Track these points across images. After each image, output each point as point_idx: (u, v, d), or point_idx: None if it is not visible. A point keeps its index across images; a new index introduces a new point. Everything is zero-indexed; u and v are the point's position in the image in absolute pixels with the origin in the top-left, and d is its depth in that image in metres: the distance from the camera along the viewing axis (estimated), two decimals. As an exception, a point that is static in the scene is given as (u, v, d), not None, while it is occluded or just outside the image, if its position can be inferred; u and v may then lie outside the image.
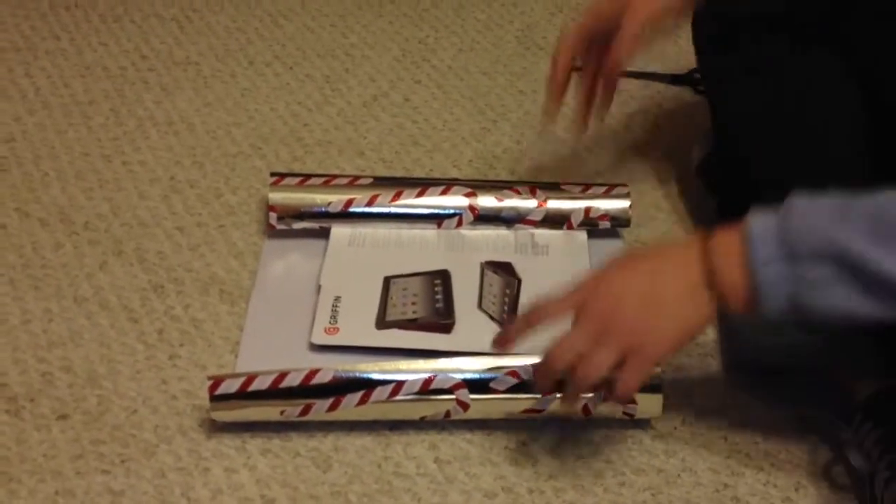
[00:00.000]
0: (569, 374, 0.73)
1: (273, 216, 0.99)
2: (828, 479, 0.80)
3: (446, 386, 0.80)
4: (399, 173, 1.11)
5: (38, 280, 0.97)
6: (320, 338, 0.88)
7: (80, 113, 1.19)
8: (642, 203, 1.06)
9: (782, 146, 0.88)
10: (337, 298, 0.92)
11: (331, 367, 0.81)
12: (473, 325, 0.90)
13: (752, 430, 0.84)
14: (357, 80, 1.26)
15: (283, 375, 0.80)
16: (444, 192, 0.99)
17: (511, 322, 0.81)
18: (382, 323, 0.90)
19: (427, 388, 0.80)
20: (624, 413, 0.81)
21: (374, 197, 0.98)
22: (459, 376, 0.81)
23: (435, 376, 0.80)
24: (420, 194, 0.98)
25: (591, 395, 0.79)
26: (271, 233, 1.00)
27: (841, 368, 0.80)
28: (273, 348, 0.89)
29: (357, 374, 0.81)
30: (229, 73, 1.26)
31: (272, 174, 1.02)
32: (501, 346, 0.77)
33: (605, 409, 0.81)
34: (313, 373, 0.80)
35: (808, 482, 0.80)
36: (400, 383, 0.80)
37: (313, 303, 0.92)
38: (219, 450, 0.82)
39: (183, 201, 1.07)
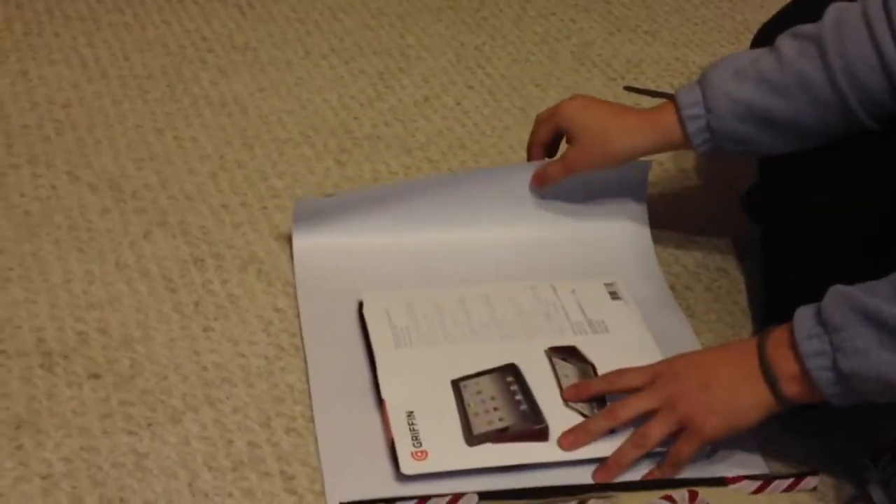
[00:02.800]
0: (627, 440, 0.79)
1: None
2: (848, 514, 0.80)
3: None
4: (445, 173, 1.12)
5: (82, 243, 0.98)
6: (411, 466, 0.78)
7: (137, 86, 1.21)
8: (685, 234, 1.06)
9: (824, 177, 0.88)
10: (409, 414, 0.82)
11: (473, 493, 0.74)
12: (568, 426, 0.81)
13: (779, 459, 0.83)
14: (410, 79, 1.27)
15: (423, 502, 0.74)
16: None
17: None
18: (472, 438, 0.81)
19: None
20: None
21: None
22: (610, 503, 0.75)
23: (588, 500, 0.75)
24: None
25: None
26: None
27: (872, 406, 0.80)
28: (357, 477, 0.79)
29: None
30: (285, 62, 1.28)
31: None
32: (573, 398, 0.84)
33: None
34: (456, 498, 0.74)
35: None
36: None
37: (377, 417, 0.83)
38: (244, 424, 0.83)
39: (230, 180, 1.08)
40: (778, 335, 0.76)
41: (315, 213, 0.98)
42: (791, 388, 0.75)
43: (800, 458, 0.83)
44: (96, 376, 0.86)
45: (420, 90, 1.25)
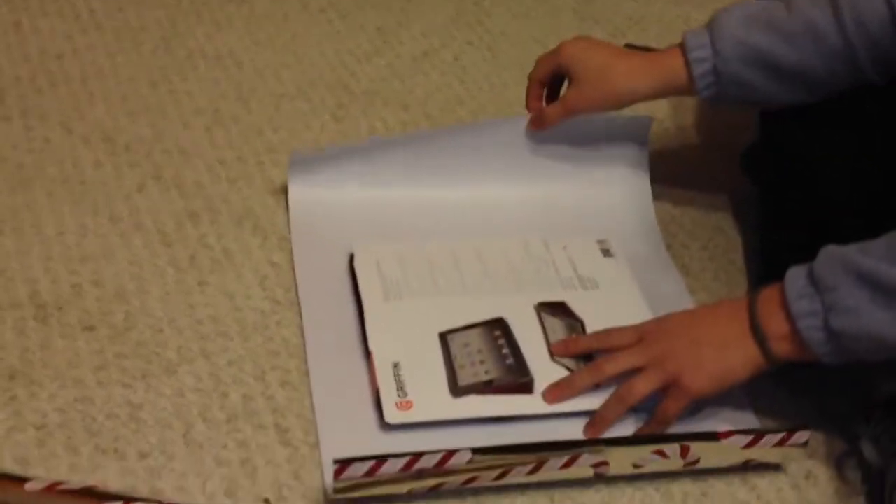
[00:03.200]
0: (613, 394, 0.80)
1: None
2: (839, 470, 0.80)
3: (590, 463, 0.75)
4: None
5: (76, 195, 0.98)
6: (394, 416, 0.78)
7: (131, 38, 1.19)
8: (683, 192, 1.05)
9: (831, 128, 0.88)
10: (396, 365, 0.82)
11: (467, 449, 0.72)
12: (552, 380, 0.82)
13: (770, 415, 0.84)
14: (409, 34, 1.26)
15: (415, 459, 0.72)
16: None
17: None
18: (457, 390, 0.81)
19: (569, 466, 0.75)
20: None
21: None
22: (601, 457, 0.75)
23: (579, 455, 0.75)
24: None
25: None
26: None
27: (865, 363, 0.80)
28: (348, 429, 0.79)
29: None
30: (282, 15, 1.27)
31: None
32: (561, 353, 0.84)
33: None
34: (450, 455, 0.72)
35: (818, 472, 0.80)
36: (541, 463, 0.74)
37: (365, 368, 0.83)
38: (239, 377, 0.83)
39: (225, 134, 1.07)
40: (769, 294, 0.76)
41: (311, 165, 0.97)
42: (781, 348, 0.75)
43: (791, 415, 0.83)
44: (90, 328, 0.85)
45: (419, 45, 1.24)
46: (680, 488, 0.78)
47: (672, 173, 1.07)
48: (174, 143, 1.05)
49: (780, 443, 0.77)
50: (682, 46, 0.88)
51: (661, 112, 1.16)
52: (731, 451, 0.77)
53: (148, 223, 0.96)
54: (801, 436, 0.77)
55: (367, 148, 0.99)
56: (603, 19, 1.32)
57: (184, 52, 1.18)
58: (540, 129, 0.98)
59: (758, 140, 1.01)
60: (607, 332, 0.83)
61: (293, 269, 0.92)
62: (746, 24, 0.85)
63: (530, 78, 0.98)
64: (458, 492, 0.76)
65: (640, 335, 0.81)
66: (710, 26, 0.88)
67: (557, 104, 0.96)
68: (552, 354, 0.84)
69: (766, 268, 0.94)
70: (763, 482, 0.79)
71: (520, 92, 1.14)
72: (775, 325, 0.75)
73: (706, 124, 1.16)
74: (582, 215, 1.00)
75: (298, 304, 0.89)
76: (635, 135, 1.02)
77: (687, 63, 0.88)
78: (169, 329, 0.86)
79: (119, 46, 1.18)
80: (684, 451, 0.76)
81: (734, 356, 0.77)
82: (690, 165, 1.11)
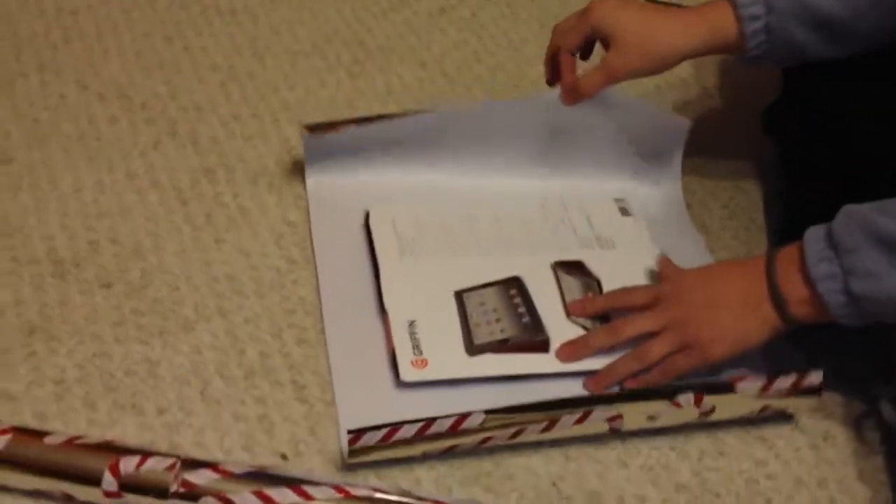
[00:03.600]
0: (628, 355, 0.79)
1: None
2: (858, 431, 0.80)
3: (603, 418, 0.75)
4: (459, 89, 1.10)
5: (92, 151, 0.98)
6: (410, 374, 0.78)
7: (146, -6, 1.19)
8: (704, 150, 1.04)
9: (860, 90, 0.86)
10: (411, 324, 0.82)
11: (480, 411, 0.73)
12: (568, 339, 0.81)
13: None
14: (425, -10, 1.24)
15: (428, 424, 0.72)
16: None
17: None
18: (472, 348, 0.81)
19: (583, 421, 0.75)
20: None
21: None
22: (614, 411, 0.75)
23: (592, 411, 0.75)
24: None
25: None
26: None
27: (885, 324, 0.79)
28: (364, 388, 0.79)
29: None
30: (298, -29, 1.25)
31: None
32: (578, 312, 0.84)
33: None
34: (463, 418, 0.72)
35: (837, 432, 0.80)
36: (554, 420, 0.74)
37: (381, 326, 0.83)
38: (256, 334, 0.83)
39: (240, 91, 1.07)
40: (787, 256, 0.75)
41: (326, 151, 0.95)
42: (800, 311, 0.75)
43: (811, 376, 0.83)
44: (108, 285, 0.85)
45: (436, 1, 1.23)
46: (696, 446, 0.78)
47: (693, 132, 1.06)
48: (189, 99, 1.05)
49: (794, 386, 0.77)
50: (732, 1, 0.82)
51: (681, 71, 1.14)
52: (745, 399, 0.77)
53: (164, 180, 0.96)
54: (814, 377, 0.77)
55: (385, 128, 0.95)
56: (623, -25, 1.29)
57: (198, 8, 1.17)
58: (577, 101, 0.90)
59: (781, 96, 1.00)
60: (624, 292, 0.83)
61: (309, 228, 0.92)
62: None
63: (560, 47, 0.89)
64: (474, 451, 0.76)
65: (657, 296, 0.80)
66: None
67: (597, 72, 0.87)
68: (568, 314, 0.84)
69: (786, 227, 0.93)
70: (781, 442, 0.79)
71: (538, 48, 1.13)
72: (794, 289, 0.74)
73: (727, 83, 1.15)
74: (602, 178, 0.98)
75: (314, 262, 0.89)
76: (672, 136, 0.97)
77: (738, 18, 0.82)
78: (185, 286, 0.86)
79: (134, 2, 1.17)
80: (698, 400, 0.76)
81: (752, 320, 0.76)
82: (711, 124, 1.09)
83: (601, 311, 0.84)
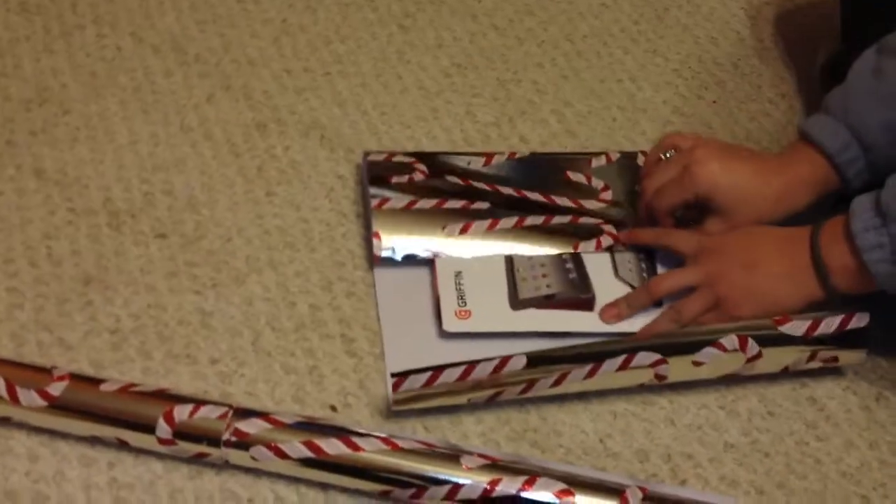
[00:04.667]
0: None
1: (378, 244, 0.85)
2: (911, 393, 0.79)
3: (646, 363, 0.74)
4: (510, 41, 1.09)
5: (147, 104, 0.99)
6: (453, 324, 0.79)
7: (200, -54, 1.19)
8: (758, 103, 1.02)
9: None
10: (458, 274, 0.82)
11: (521, 354, 0.73)
12: (615, 297, 0.81)
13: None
14: (478, -59, 1.23)
15: (471, 368, 0.72)
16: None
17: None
18: (517, 302, 0.81)
19: (626, 368, 0.74)
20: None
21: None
22: (656, 356, 0.75)
23: (634, 355, 0.74)
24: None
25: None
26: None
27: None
28: (410, 338, 0.80)
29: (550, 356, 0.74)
30: (350, -78, 1.24)
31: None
32: (625, 240, 0.85)
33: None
34: (504, 361, 0.73)
35: (890, 394, 0.79)
36: (597, 365, 0.74)
37: (429, 275, 0.84)
38: (306, 287, 0.84)
39: (292, 45, 1.07)
40: (833, 225, 0.75)
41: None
42: (843, 281, 0.74)
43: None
44: (163, 236, 0.87)
45: (488, -47, 1.21)
46: (745, 406, 0.78)
47: (747, 86, 1.04)
48: (242, 52, 1.05)
49: (840, 326, 0.76)
50: (821, 150, 0.80)
51: (737, 24, 1.12)
52: (790, 348, 0.76)
53: (217, 133, 0.96)
54: (860, 318, 0.76)
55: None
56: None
57: (252, -40, 1.17)
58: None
59: (841, 49, 0.97)
60: (670, 233, 0.84)
61: (359, 182, 0.92)
62: (883, 104, 0.78)
63: (657, 209, 0.84)
64: (520, 404, 0.76)
65: (700, 246, 0.81)
66: (845, 118, 0.80)
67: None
68: (617, 273, 0.84)
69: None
70: (832, 403, 0.78)
71: (591, 1, 1.11)
72: (838, 258, 0.74)
73: (780, 34, 1.12)
74: None
75: (365, 216, 0.89)
76: None
77: (835, 167, 0.80)
78: (238, 238, 0.87)
79: (187, -46, 1.17)
80: (742, 343, 0.75)
81: (789, 288, 0.76)
82: (766, 79, 1.07)
83: (645, 242, 0.85)
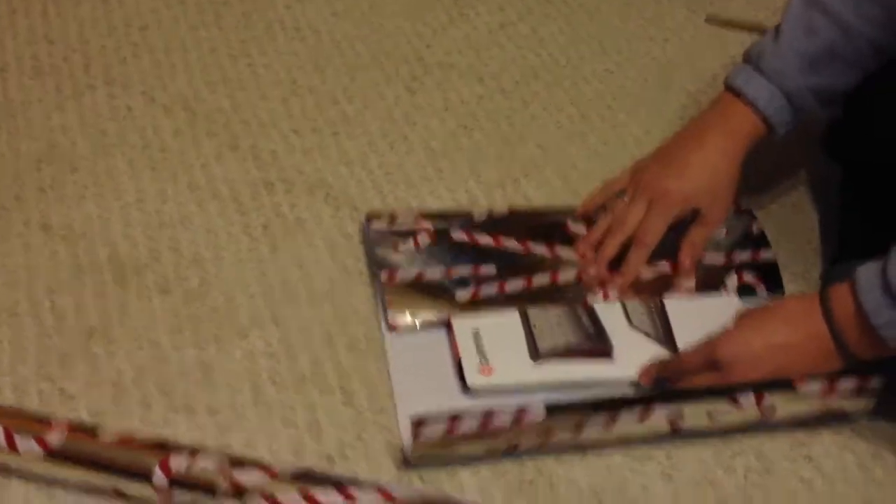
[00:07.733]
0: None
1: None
2: (911, 453, 0.79)
3: (664, 415, 0.76)
4: (516, 104, 1.11)
5: (155, 162, 1.01)
6: (477, 380, 0.80)
7: (213, 12, 1.22)
8: (760, 172, 1.03)
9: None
10: (476, 332, 0.83)
11: (539, 403, 0.73)
12: (632, 346, 0.83)
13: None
14: (486, 6, 1.26)
15: (489, 416, 0.72)
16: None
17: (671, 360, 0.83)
18: (537, 355, 0.82)
19: (644, 419, 0.75)
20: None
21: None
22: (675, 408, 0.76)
23: (654, 406, 0.75)
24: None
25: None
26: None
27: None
28: (426, 398, 0.80)
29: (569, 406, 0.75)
30: (360, -12, 1.27)
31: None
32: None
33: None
34: (523, 412, 0.73)
35: (887, 453, 0.79)
36: (614, 414, 0.75)
37: (445, 338, 0.85)
38: (308, 342, 0.84)
39: (301, 105, 1.09)
40: (841, 300, 0.75)
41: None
42: (866, 354, 0.75)
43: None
44: (167, 292, 0.88)
45: (495, 17, 1.24)
46: (742, 462, 0.78)
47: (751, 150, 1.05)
48: (252, 113, 1.07)
49: (856, 388, 0.76)
50: (754, 107, 0.88)
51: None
52: (807, 399, 0.76)
53: (224, 191, 0.98)
54: (875, 381, 0.77)
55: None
56: (683, -8, 1.29)
57: (263, 24, 1.20)
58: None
59: (842, 119, 0.98)
60: (679, 361, 0.81)
61: (363, 241, 0.93)
62: (813, 71, 0.86)
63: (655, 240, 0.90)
64: (517, 459, 0.76)
65: (712, 358, 0.78)
66: (780, 83, 0.87)
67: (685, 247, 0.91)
68: (630, 322, 0.85)
69: (842, 250, 0.92)
70: (829, 462, 0.78)
71: (596, 65, 1.13)
72: (855, 332, 0.74)
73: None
74: None
75: (372, 282, 0.90)
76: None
77: (765, 120, 0.89)
78: (241, 295, 0.88)
79: (201, 20, 1.20)
80: (759, 399, 0.75)
81: (805, 359, 0.76)
82: (770, 143, 1.08)
83: (667, 376, 0.81)
